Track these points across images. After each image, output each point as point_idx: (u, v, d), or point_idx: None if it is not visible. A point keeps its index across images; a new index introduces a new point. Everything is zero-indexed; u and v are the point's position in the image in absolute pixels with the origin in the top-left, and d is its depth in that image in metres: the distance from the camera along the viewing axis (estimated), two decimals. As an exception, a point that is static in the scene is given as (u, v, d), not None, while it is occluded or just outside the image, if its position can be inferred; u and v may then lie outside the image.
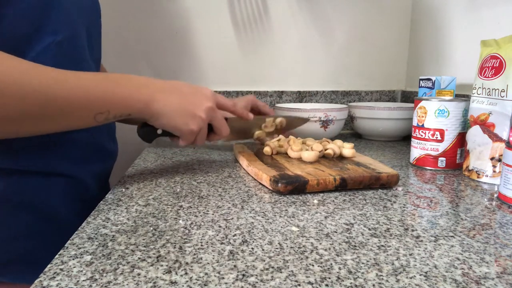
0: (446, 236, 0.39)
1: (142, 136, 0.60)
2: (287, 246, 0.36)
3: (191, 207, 0.47)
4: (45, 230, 0.53)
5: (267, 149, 0.67)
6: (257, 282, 0.30)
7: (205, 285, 0.30)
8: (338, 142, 0.67)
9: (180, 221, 0.42)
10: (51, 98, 0.43)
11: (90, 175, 0.59)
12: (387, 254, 0.35)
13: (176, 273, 0.31)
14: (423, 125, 0.66)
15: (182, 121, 0.55)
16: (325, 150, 0.64)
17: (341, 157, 0.65)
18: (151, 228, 0.40)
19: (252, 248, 0.36)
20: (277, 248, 0.36)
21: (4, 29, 0.45)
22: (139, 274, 0.31)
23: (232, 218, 0.43)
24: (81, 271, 0.32)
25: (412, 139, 0.69)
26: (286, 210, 0.46)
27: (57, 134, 0.49)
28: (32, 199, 0.51)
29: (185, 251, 0.35)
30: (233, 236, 0.39)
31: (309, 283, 0.30)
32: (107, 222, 0.42)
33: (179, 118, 0.54)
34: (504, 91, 0.55)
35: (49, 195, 0.53)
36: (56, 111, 0.44)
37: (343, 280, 0.30)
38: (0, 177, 0.50)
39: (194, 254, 0.35)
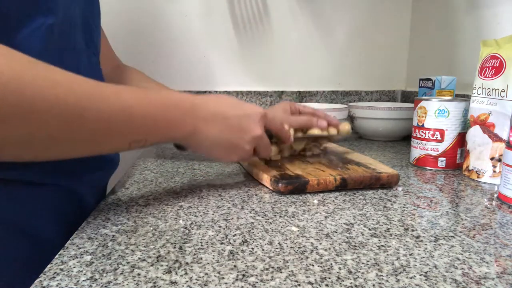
0: (446, 236, 0.39)
1: (175, 145, 0.58)
2: (287, 246, 0.36)
3: (191, 207, 0.47)
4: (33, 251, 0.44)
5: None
6: (257, 282, 0.30)
7: (205, 285, 0.30)
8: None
9: (180, 221, 0.42)
10: (85, 120, 0.35)
11: (87, 185, 0.53)
12: (387, 254, 0.35)
13: (176, 273, 0.31)
14: (423, 125, 0.66)
15: (222, 153, 0.51)
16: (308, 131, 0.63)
17: (341, 157, 0.65)
18: (151, 228, 0.40)
19: (252, 248, 0.36)
20: (277, 248, 0.36)
21: None
22: (139, 274, 0.31)
23: (232, 218, 0.43)
24: (81, 271, 0.32)
25: (412, 139, 0.69)
26: (286, 210, 0.46)
27: None
28: (22, 212, 0.43)
29: (185, 251, 0.35)
30: (233, 236, 0.39)
31: (309, 283, 0.30)
32: (107, 222, 0.42)
33: (219, 150, 0.50)
34: (504, 91, 0.55)
35: (39, 207, 0.45)
36: (87, 135, 0.37)
37: (343, 280, 0.30)
38: None
39: (194, 254, 0.35)
